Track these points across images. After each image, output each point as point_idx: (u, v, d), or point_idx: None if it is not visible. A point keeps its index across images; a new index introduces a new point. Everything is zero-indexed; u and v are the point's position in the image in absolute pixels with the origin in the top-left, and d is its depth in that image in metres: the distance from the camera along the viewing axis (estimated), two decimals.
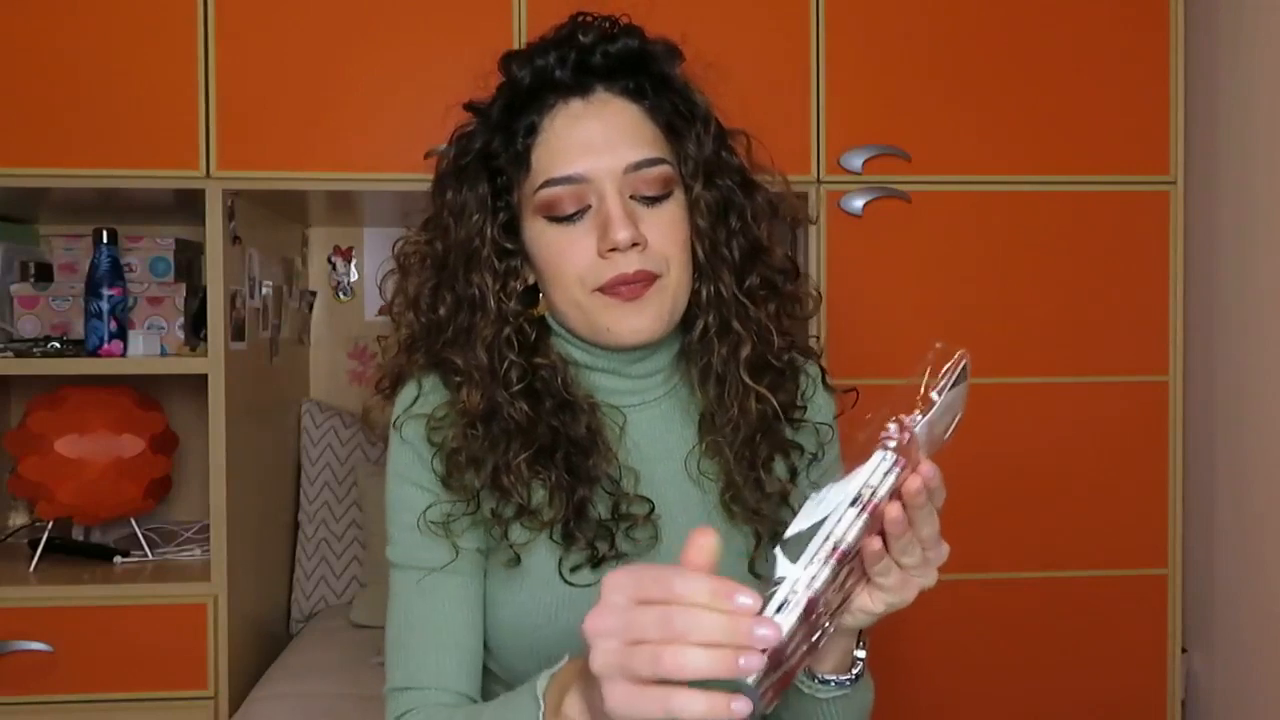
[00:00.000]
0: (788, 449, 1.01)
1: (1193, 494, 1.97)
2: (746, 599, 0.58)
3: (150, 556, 1.93)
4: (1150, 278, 1.90)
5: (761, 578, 0.97)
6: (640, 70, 0.98)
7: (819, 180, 1.84)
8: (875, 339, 1.86)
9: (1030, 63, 1.87)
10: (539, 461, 0.95)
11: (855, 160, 1.83)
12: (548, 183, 0.94)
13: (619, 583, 0.62)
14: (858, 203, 1.84)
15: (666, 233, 0.95)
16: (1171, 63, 1.89)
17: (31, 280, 2.03)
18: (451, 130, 1.03)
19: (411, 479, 0.98)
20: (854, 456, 0.68)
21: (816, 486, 0.70)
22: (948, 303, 1.87)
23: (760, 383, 0.98)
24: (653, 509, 0.97)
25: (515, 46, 1.75)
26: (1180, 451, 1.91)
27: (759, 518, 0.98)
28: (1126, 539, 1.90)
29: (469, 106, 1.02)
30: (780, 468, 1.01)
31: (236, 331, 1.85)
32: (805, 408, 1.03)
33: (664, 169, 0.95)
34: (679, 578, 0.59)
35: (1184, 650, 1.94)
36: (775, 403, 0.99)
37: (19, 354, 1.83)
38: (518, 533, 0.95)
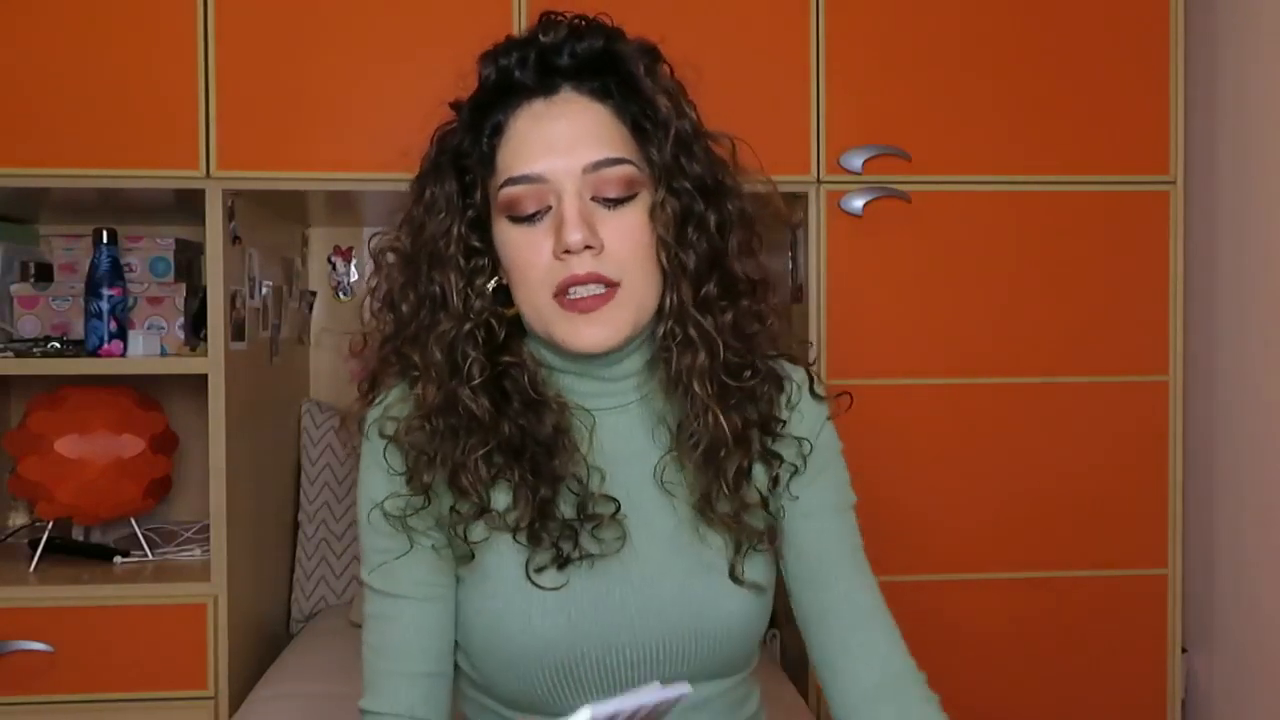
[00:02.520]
0: (768, 458, 0.99)
1: (1193, 494, 1.97)
2: None
3: (150, 556, 1.93)
4: (1150, 278, 1.90)
5: (743, 584, 0.97)
6: (607, 70, 0.97)
7: (819, 180, 1.84)
8: (874, 339, 1.86)
9: (1030, 63, 1.87)
10: (503, 462, 0.95)
11: (855, 160, 1.83)
12: (508, 181, 0.94)
13: None
14: (858, 203, 1.84)
15: (625, 237, 0.93)
16: (1171, 63, 1.88)
17: (31, 280, 2.03)
18: (433, 129, 1.03)
19: (378, 503, 0.98)
20: None
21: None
22: (947, 303, 1.87)
23: (722, 394, 0.97)
24: (618, 508, 0.96)
25: None
26: (1180, 451, 1.91)
27: (733, 527, 0.97)
28: (1126, 539, 1.90)
29: (454, 105, 1.03)
30: (760, 475, 0.99)
31: (236, 331, 1.85)
32: (786, 421, 1.01)
33: (626, 169, 0.94)
34: None
35: (1184, 650, 1.94)
36: (741, 416, 0.97)
37: (19, 354, 1.83)
38: (478, 531, 0.95)
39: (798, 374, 1.04)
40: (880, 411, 1.83)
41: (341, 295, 2.40)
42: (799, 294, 1.90)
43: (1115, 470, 1.89)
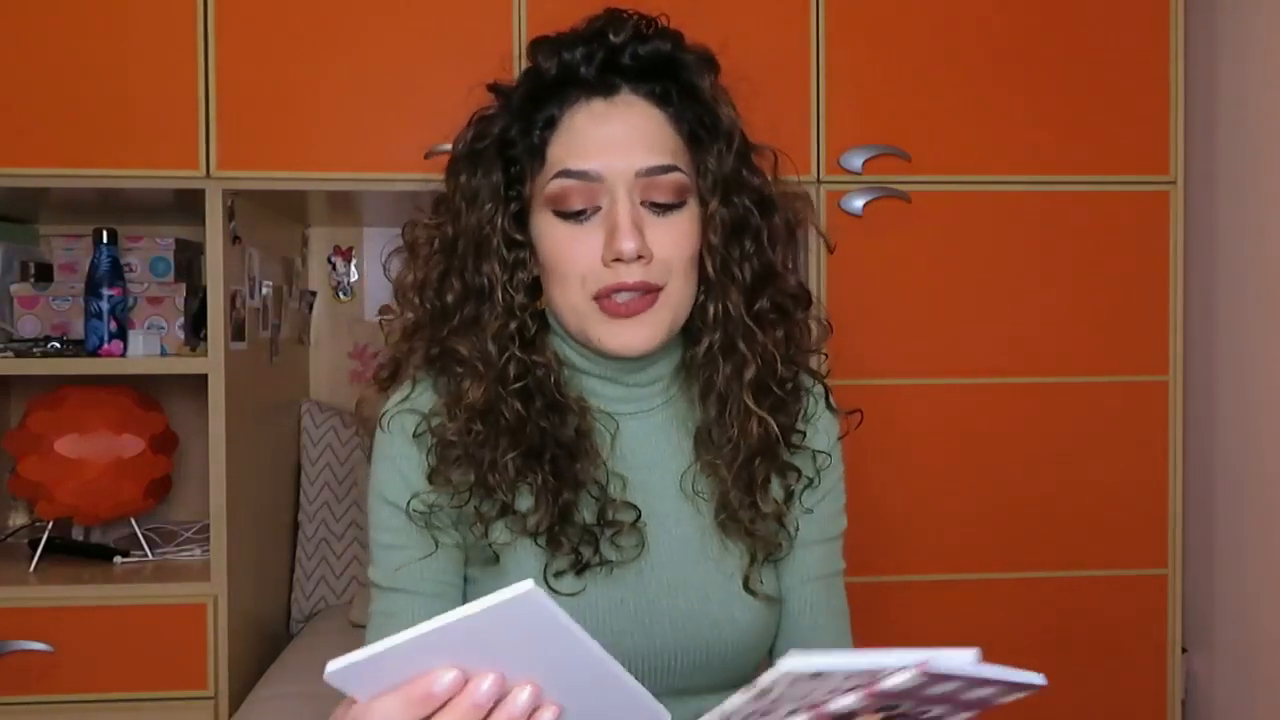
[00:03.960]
0: (785, 471, 0.99)
1: (1193, 494, 1.97)
2: None
3: (150, 556, 1.93)
4: (1150, 278, 1.90)
5: (756, 595, 0.97)
6: (668, 75, 0.96)
7: (819, 180, 1.84)
8: (875, 339, 1.86)
9: (1030, 63, 1.87)
10: (526, 464, 0.94)
11: (855, 160, 1.83)
12: (561, 174, 0.93)
13: None
14: (858, 203, 1.84)
15: (673, 244, 0.93)
16: (1171, 63, 1.88)
17: (31, 280, 2.03)
18: (470, 114, 1.00)
19: (390, 499, 0.96)
20: None
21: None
22: (948, 303, 1.87)
23: (762, 405, 0.96)
24: (639, 516, 0.95)
25: (515, 48, 1.76)
26: (1180, 451, 1.91)
27: (753, 537, 0.97)
28: (1126, 539, 1.90)
29: (493, 87, 1.00)
30: (776, 488, 0.99)
31: (236, 331, 1.85)
32: (805, 432, 1.01)
33: (678, 177, 0.94)
34: None
35: (1184, 650, 1.94)
36: (776, 426, 0.97)
37: (19, 354, 1.83)
38: (499, 532, 0.94)
39: (815, 386, 1.05)
40: (880, 411, 1.82)
41: (341, 295, 2.40)
42: None
43: (1115, 470, 1.89)
